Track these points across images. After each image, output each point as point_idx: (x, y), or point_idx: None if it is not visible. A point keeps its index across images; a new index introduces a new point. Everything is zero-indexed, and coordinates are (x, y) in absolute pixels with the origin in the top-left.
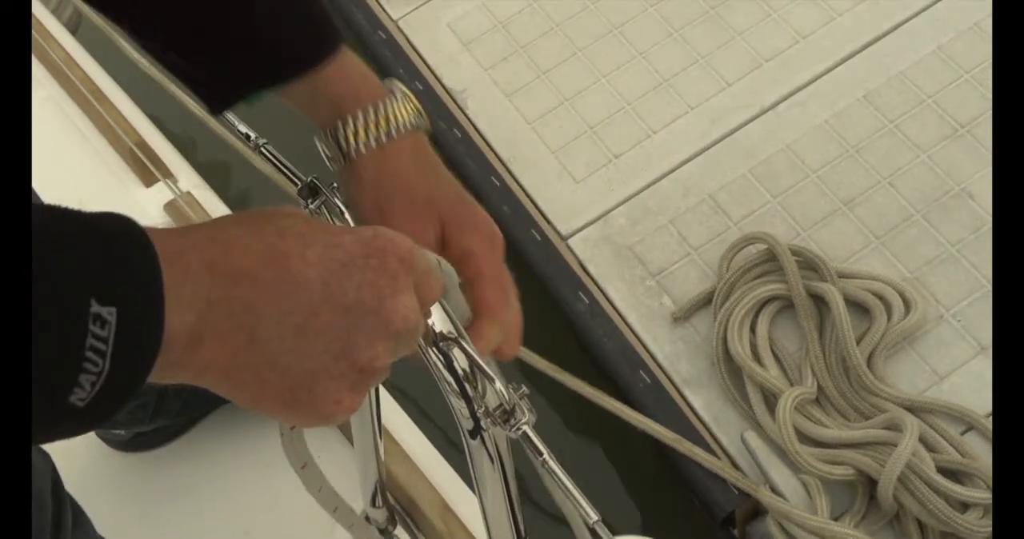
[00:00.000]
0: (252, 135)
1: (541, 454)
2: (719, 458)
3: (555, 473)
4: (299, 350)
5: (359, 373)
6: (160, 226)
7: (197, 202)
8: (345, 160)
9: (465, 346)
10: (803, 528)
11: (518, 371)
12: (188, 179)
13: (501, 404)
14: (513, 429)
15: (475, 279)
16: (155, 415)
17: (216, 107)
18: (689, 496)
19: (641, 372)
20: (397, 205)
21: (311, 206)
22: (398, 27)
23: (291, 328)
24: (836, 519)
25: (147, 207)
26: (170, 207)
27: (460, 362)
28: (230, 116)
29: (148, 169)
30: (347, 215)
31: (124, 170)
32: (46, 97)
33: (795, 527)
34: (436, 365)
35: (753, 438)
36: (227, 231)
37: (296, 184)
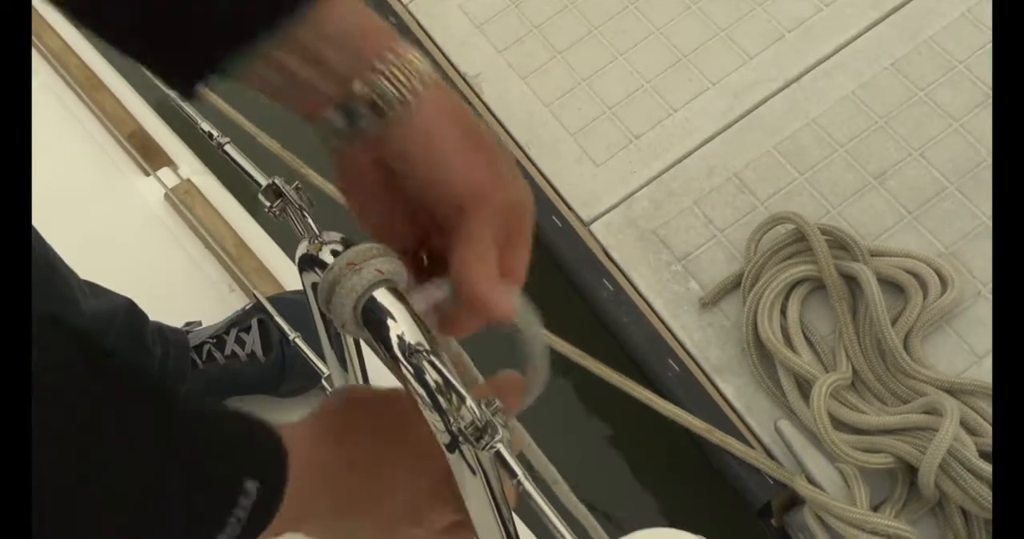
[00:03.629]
0: (215, 134)
1: (515, 476)
2: (752, 448)
3: (530, 496)
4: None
5: None
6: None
7: (197, 190)
8: (384, 117)
9: (435, 360)
10: (842, 520)
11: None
12: (189, 166)
13: (473, 420)
14: (485, 448)
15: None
16: None
17: (186, 87)
18: (723, 487)
19: (669, 360)
20: (456, 146)
21: (274, 207)
22: (408, 11)
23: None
24: (876, 508)
25: (146, 196)
26: (169, 197)
27: (432, 374)
28: (191, 112)
29: (147, 157)
30: (309, 218)
31: (123, 159)
32: (42, 85)
33: (833, 519)
34: (406, 377)
35: (787, 427)
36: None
37: (258, 185)
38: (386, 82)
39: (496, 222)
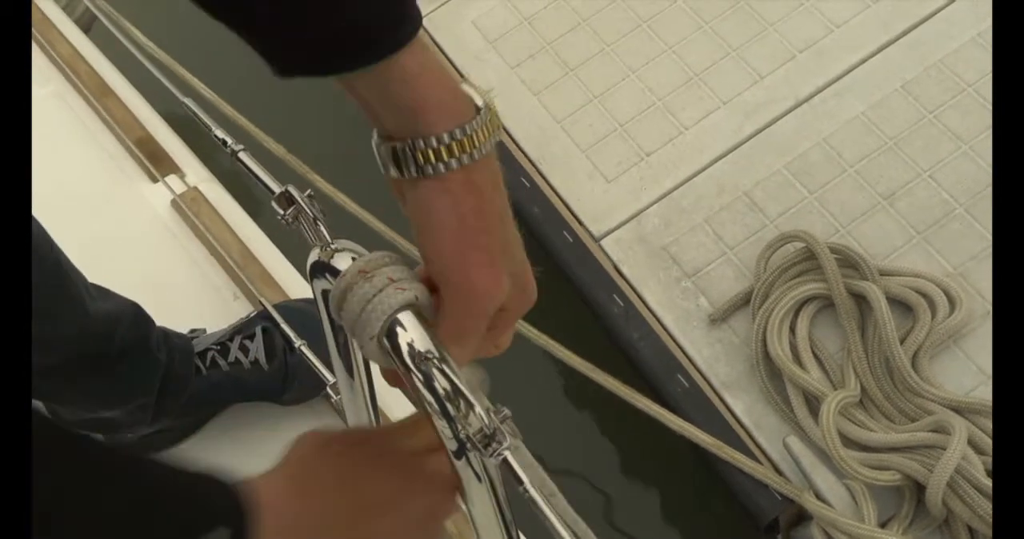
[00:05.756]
0: (229, 141)
1: (521, 483)
2: (761, 463)
3: (536, 503)
4: None
5: None
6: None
7: (204, 198)
8: (418, 176)
9: (445, 367)
10: (849, 536)
11: (554, 371)
12: (196, 174)
13: (482, 428)
14: (493, 455)
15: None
16: (156, 416)
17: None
18: (731, 502)
19: (679, 376)
20: (478, 245)
21: (286, 215)
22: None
23: None
24: (883, 525)
25: (153, 202)
26: (176, 203)
27: (441, 382)
28: (206, 120)
29: (155, 164)
30: (321, 225)
31: (131, 166)
32: (52, 93)
33: (841, 535)
34: (415, 383)
35: (796, 443)
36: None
37: (272, 192)
38: (419, 154)
39: (476, 314)
